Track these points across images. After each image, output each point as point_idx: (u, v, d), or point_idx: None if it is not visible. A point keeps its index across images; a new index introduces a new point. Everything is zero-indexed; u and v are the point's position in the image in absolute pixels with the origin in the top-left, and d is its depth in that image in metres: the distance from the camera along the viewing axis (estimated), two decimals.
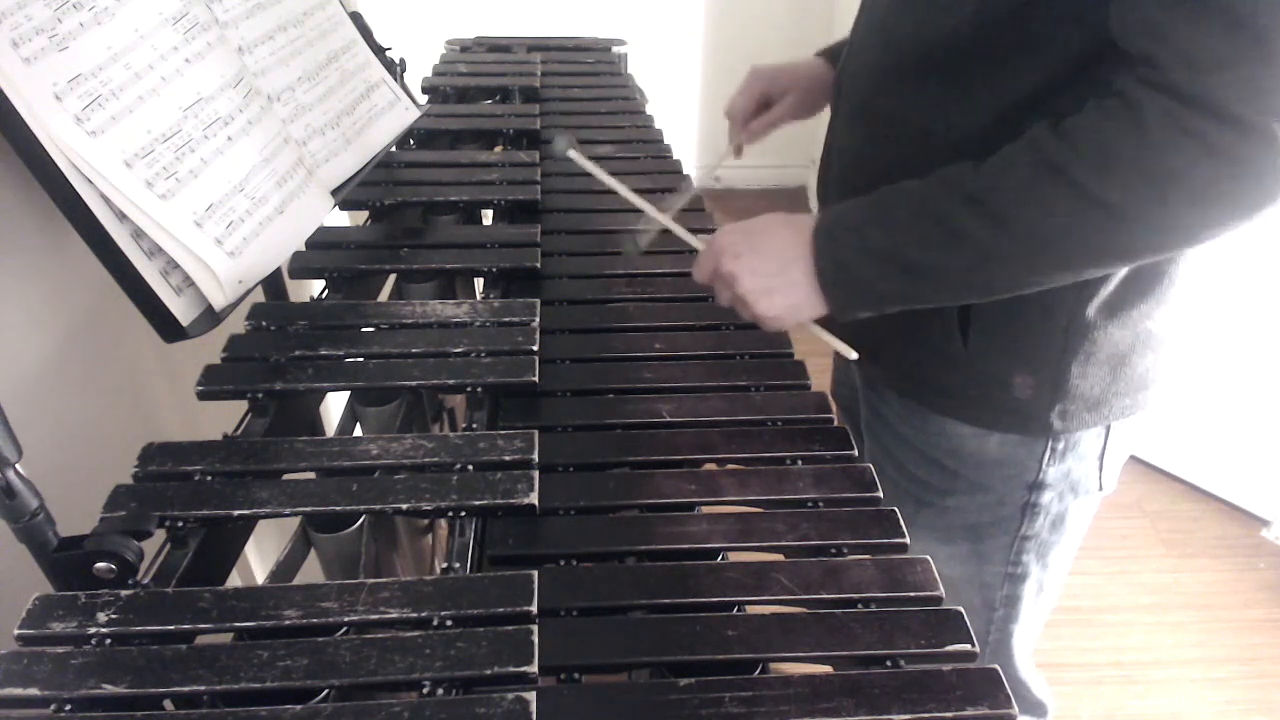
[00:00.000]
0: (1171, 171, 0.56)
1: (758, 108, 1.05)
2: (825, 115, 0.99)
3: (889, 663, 0.56)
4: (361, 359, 0.78)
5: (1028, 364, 0.79)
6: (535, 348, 0.81)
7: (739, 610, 0.60)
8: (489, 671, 0.53)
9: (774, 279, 0.72)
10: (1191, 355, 0.85)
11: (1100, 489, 0.88)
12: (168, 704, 0.53)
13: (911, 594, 0.61)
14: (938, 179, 0.67)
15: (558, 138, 0.84)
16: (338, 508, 0.65)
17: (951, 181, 0.65)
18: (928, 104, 0.74)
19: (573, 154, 0.83)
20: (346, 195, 0.94)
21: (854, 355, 0.76)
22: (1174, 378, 0.83)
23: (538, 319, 0.85)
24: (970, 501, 0.90)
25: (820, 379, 0.81)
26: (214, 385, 0.75)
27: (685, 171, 1.21)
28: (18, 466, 0.57)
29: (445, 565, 0.63)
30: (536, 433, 0.71)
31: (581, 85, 1.49)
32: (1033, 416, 0.81)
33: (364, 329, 0.83)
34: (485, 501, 0.65)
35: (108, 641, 0.54)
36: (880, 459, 0.95)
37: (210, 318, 0.74)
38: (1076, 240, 0.61)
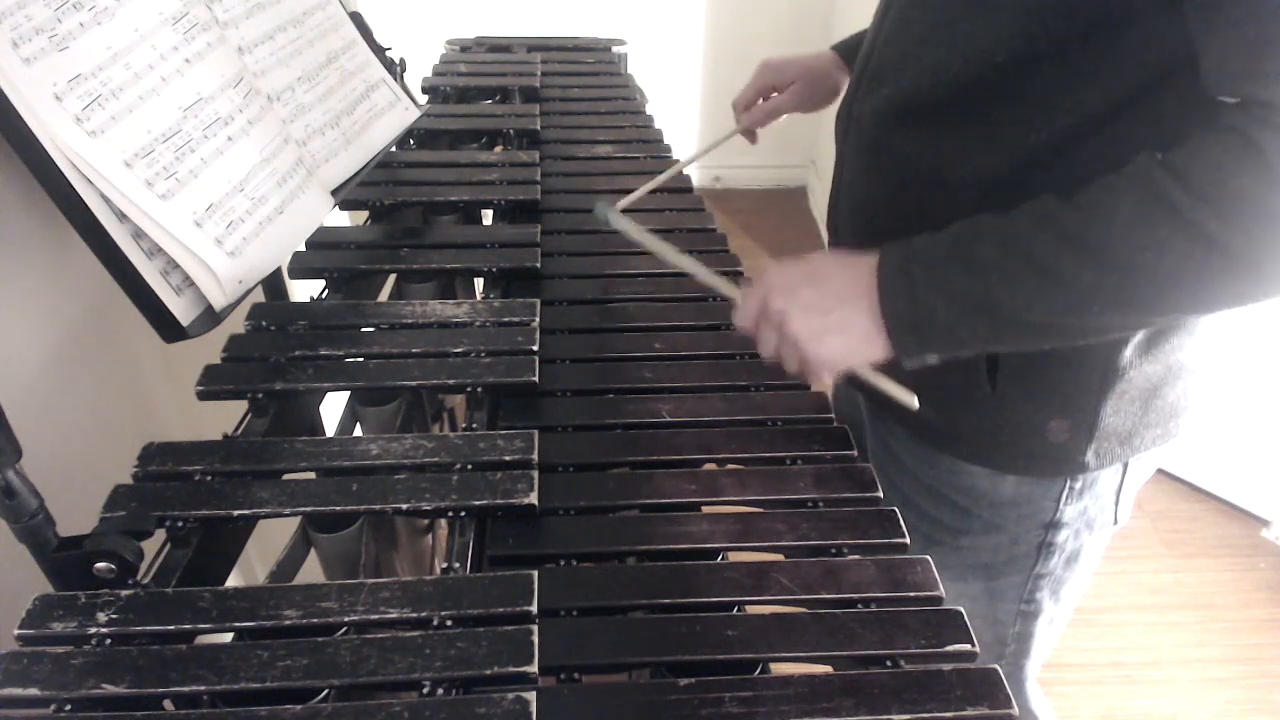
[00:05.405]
0: None
1: (760, 97, 1.05)
2: (826, 116, 0.99)
3: (889, 663, 0.56)
4: (361, 359, 0.78)
5: (1062, 408, 0.75)
6: (535, 348, 0.81)
7: (739, 610, 0.60)
8: (489, 671, 0.53)
9: (829, 316, 0.66)
10: (1222, 379, 0.82)
11: (1115, 522, 0.86)
12: (168, 704, 0.53)
13: (911, 594, 0.61)
14: (1026, 213, 0.61)
15: (597, 204, 0.87)
16: (338, 508, 0.64)
17: (1042, 217, 0.60)
18: (950, 145, 0.71)
19: (612, 219, 0.85)
20: (346, 195, 0.94)
21: (915, 403, 0.69)
22: (1205, 403, 0.81)
23: (538, 319, 0.85)
24: (984, 541, 0.87)
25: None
26: (214, 385, 0.75)
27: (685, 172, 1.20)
28: (18, 466, 0.57)
29: (445, 565, 0.63)
30: (536, 433, 0.71)
31: (581, 85, 1.49)
32: (1066, 459, 0.79)
33: (364, 329, 0.83)
34: (485, 501, 0.65)
35: (108, 641, 0.54)
36: (887, 492, 0.90)
37: (210, 318, 0.74)
38: (1189, 285, 0.56)
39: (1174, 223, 0.54)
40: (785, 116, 1.07)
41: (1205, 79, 0.56)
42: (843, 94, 0.97)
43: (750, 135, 1.11)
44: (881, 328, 0.65)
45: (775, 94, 1.07)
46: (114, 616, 0.55)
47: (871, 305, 0.65)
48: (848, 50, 1.02)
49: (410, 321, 0.84)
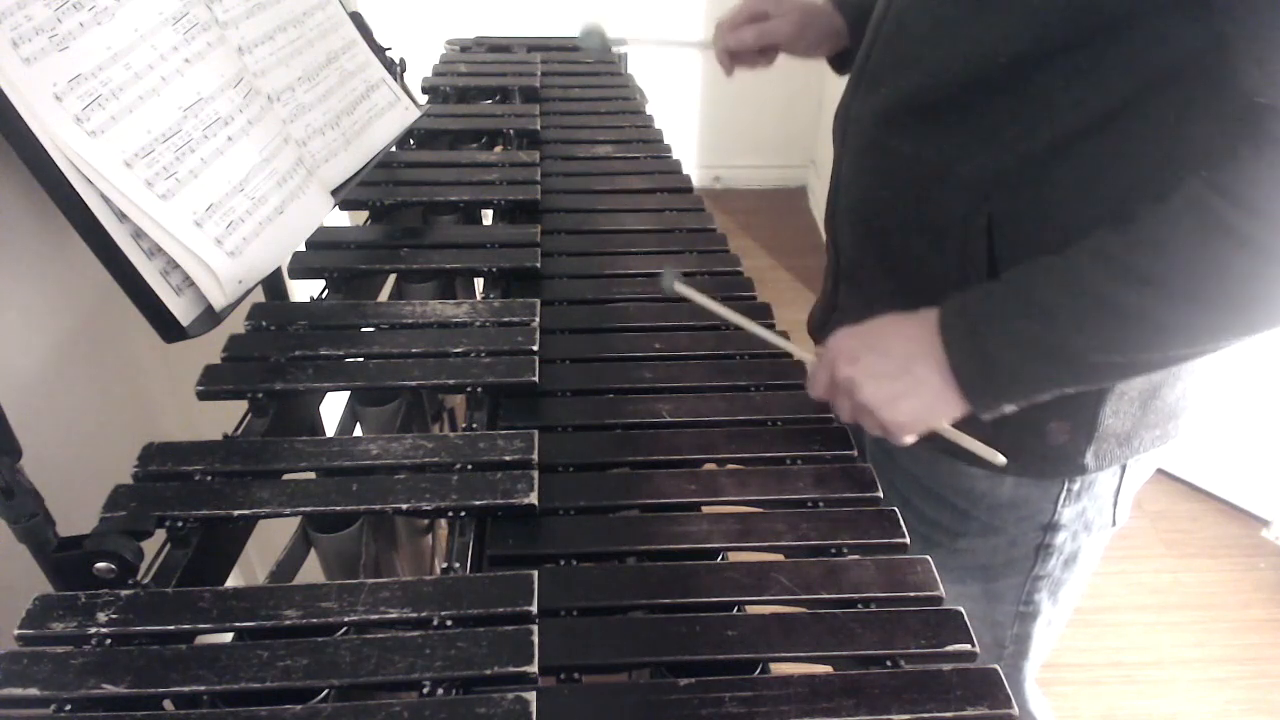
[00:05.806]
0: None
1: (751, 21, 0.95)
2: (826, 115, 0.98)
3: (889, 663, 0.56)
4: (361, 359, 0.78)
5: (1062, 409, 0.74)
6: (535, 348, 0.81)
7: (739, 610, 0.60)
8: (489, 671, 0.53)
9: (898, 381, 0.65)
10: (1222, 379, 0.82)
11: (1114, 524, 0.86)
12: (168, 704, 0.53)
13: (911, 594, 0.61)
14: (1082, 253, 0.60)
15: (664, 274, 0.81)
16: (338, 508, 0.65)
17: (1100, 256, 0.59)
18: (951, 145, 0.71)
19: (679, 288, 0.80)
20: (346, 195, 0.94)
21: (1001, 460, 0.67)
22: (1205, 403, 0.80)
23: (538, 319, 0.85)
24: (982, 543, 0.87)
25: None
26: (214, 385, 0.75)
27: (685, 172, 1.20)
28: (18, 466, 0.57)
29: (445, 565, 0.63)
30: (536, 433, 0.71)
31: (581, 85, 1.49)
32: (1066, 460, 0.78)
33: (364, 329, 0.83)
34: (485, 501, 0.65)
35: (108, 641, 0.54)
36: (886, 493, 0.91)
37: (210, 318, 0.74)
38: (1263, 302, 0.55)
39: (1235, 245, 0.54)
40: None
41: (1242, 81, 0.55)
42: (835, 47, 0.96)
43: (728, 63, 0.99)
44: (953, 386, 0.64)
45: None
46: (114, 616, 0.55)
47: (940, 364, 0.64)
48: (843, 4, 0.96)
49: (410, 321, 0.84)
